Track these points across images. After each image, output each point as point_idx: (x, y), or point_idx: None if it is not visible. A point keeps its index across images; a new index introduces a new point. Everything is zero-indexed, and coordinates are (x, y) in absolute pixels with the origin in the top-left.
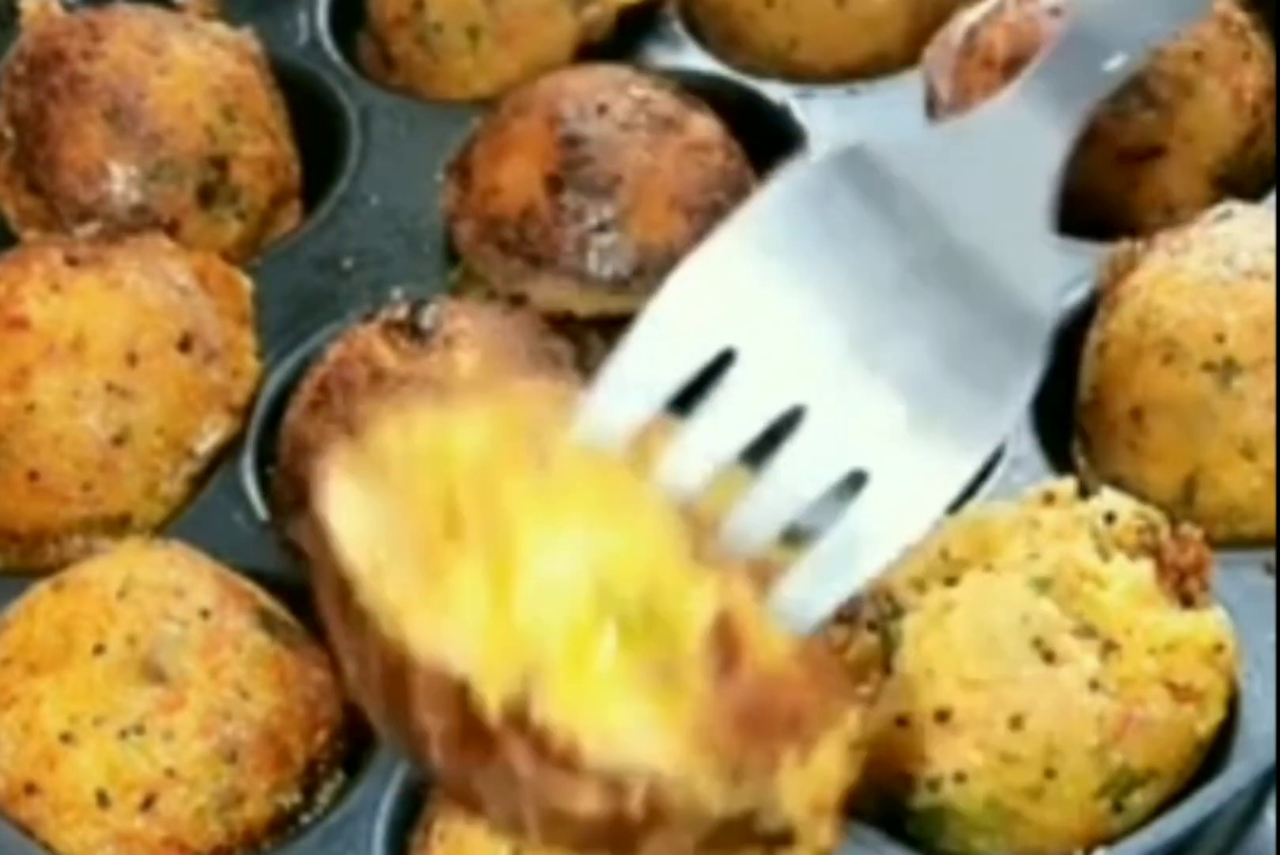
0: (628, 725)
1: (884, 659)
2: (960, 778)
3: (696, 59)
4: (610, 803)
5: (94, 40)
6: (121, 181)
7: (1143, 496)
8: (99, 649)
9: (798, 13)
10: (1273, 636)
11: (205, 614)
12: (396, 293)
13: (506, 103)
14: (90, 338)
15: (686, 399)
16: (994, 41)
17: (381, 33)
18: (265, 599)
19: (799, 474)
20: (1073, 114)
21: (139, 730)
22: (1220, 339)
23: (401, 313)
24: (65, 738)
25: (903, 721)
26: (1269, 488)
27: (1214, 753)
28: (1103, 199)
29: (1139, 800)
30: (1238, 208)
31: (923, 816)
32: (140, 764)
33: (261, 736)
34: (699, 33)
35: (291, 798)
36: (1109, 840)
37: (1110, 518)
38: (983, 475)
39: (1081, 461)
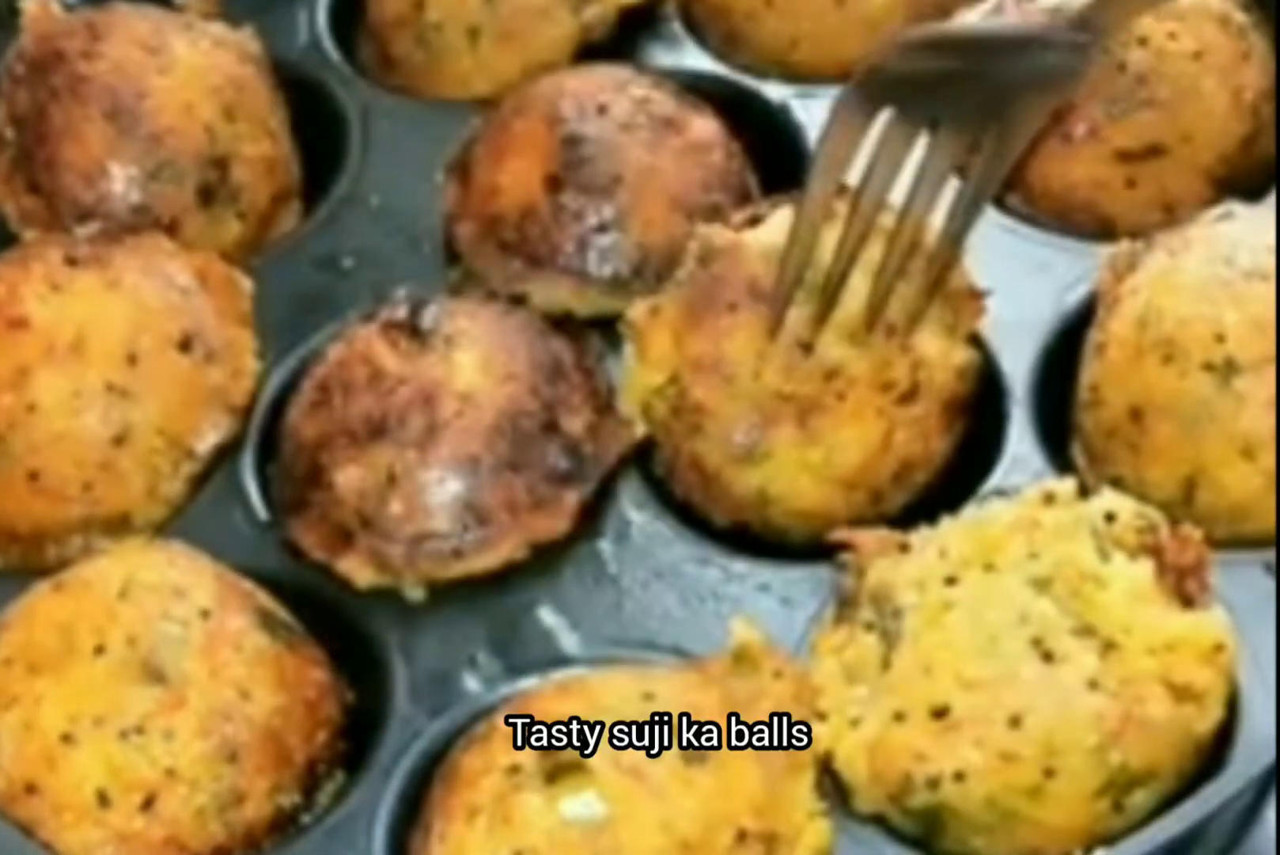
0: None
1: (883, 658)
2: (959, 777)
3: (696, 59)
4: None
5: (94, 40)
6: (121, 181)
7: (1143, 496)
8: (99, 649)
9: (798, 13)
10: (1273, 636)
11: (205, 614)
12: (397, 293)
13: (506, 103)
14: (90, 338)
15: None
16: None
17: (381, 33)
18: (265, 599)
19: None
20: None
21: (139, 730)
22: (1220, 339)
23: (401, 313)
24: (65, 738)
25: (902, 720)
26: (1269, 488)
27: (1214, 753)
28: (1103, 199)
29: (1139, 800)
30: (1238, 208)
31: (922, 816)
32: (140, 764)
33: (261, 736)
34: (699, 33)
35: (291, 798)
36: (1109, 840)
37: (1110, 518)
38: (983, 475)
39: (1081, 461)
